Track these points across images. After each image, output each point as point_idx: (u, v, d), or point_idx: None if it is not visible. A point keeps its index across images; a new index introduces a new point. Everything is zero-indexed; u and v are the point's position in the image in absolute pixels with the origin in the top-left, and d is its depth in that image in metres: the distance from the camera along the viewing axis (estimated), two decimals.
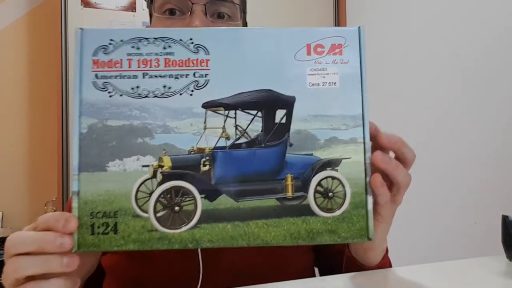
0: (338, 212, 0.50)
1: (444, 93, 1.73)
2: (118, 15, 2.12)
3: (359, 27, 0.52)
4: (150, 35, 0.51)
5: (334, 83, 0.51)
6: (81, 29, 0.51)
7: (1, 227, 2.06)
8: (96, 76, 0.50)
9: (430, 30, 1.83)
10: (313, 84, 0.51)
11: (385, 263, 0.61)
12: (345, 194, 0.50)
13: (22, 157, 2.30)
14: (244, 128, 0.51)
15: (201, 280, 0.63)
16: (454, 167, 1.63)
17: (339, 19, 2.46)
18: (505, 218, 0.64)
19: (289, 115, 0.51)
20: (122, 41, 0.51)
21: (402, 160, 0.52)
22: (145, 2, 0.79)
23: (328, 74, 0.51)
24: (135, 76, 0.51)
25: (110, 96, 0.50)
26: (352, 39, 0.52)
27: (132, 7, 2.12)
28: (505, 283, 0.56)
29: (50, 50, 2.25)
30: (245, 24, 0.86)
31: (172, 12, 0.75)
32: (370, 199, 0.50)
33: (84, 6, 2.07)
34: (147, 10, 0.83)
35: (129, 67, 0.51)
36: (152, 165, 0.50)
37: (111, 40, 0.51)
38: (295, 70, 0.51)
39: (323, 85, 0.51)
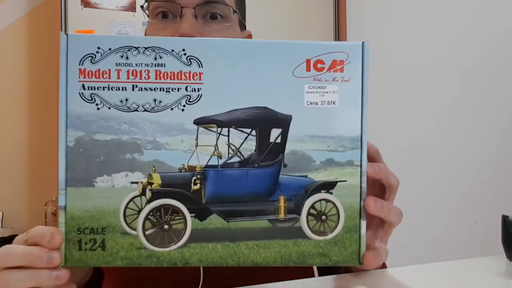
0: (330, 236, 0.49)
1: (444, 93, 1.70)
2: (118, 15, 2.06)
3: (362, 43, 0.49)
4: (140, 44, 0.48)
5: (333, 103, 0.48)
6: (66, 35, 0.47)
7: (1, 227, 2.04)
8: (83, 86, 0.47)
9: (430, 30, 1.78)
10: (311, 103, 0.48)
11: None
12: (338, 218, 0.49)
13: (22, 157, 2.27)
14: (237, 146, 0.48)
15: (202, 280, 0.63)
16: (454, 167, 1.61)
17: (339, 19, 2.36)
18: (505, 218, 0.63)
19: (284, 135, 0.48)
20: (111, 50, 0.47)
21: (388, 187, 0.51)
22: (146, 17, 0.77)
23: (327, 92, 0.48)
24: (124, 88, 0.47)
25: (98, 109, 0.47)
26: (354, 55, 0.48)
27: (132, 7, 2.06)
28: (505, 283, 0.55)
29: (50, 50, 2.21)
30: (242, 25, 0.82)
31: (164, 15, 0.73)
32: (363, 224, 0.49)
33: (84, 6, 2.01)
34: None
35: (118, 78, 0.47)
36: (141, 182, 0.48)
37: (99, 48, 0.47)
38: (293, 87, 0.48)
39: (321, 104, 0.48)
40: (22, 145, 2.28)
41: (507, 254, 0.62)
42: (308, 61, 0.48)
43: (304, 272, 0.70)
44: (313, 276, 0.74)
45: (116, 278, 0.68)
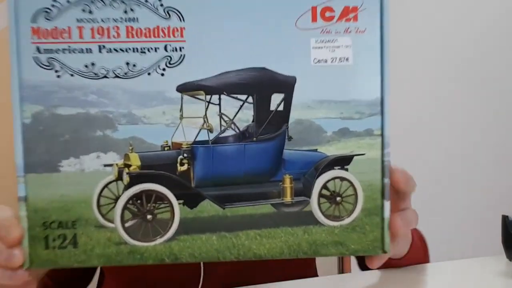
0: (347, 220, 0.39)
1: (444, 93, 1.63)
2: None
3: None
4: None
5: (346, 59, 0.38)
6: None
7: None
8: (38, 49, 0.37)
9: (429, 30, 1.69)
10: (319, 61, 0.38)
11: (414, 254, 0.53)
12: (356, 199, 0.39)
13: None
14: (231, 117, 0.38)
15: (202, 279, 0.54)
16: (454, 167, 1.57)
17: None
18: (505, 218, 0.61)
19: (288, 101, 0.38)
20: (70, 3, 0.37)
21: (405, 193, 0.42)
22: None
23: (338, 47, 0.38)
24: (89, 50, 0.37)
25: (58, 76, 0.37)
26: (371, 0, 0.38)
27: None
28: (505, 283, 0.54)
29: None
30: None
31: None
32: (387, 205, 0.39)
33: None
34: None
35: (80, 37, 0.37)
36: (117, 164, 0.38)
37: (55, 0, 0.37)
38: (296, 42, 0.38)
39: (331, 62, 0.38)
40: None
41: (507, 254, 0.60)
42: (314, 8, 0.38)
43: (305, 268, 0.61)
44: (315, 270, 0.65)
45: (116, 278, 0.59)
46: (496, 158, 1.47)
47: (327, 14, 0.38)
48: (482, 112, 1.52)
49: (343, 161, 0.39)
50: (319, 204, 0.39)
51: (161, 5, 0.37)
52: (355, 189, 0.39)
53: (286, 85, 0.38)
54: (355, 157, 0.39)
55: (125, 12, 0.37)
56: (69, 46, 0.37)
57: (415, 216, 0.41)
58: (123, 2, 0.37)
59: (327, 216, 0.39)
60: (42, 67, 0.37)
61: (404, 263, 0.52)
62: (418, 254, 0.55)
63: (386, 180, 0.39)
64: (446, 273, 0.57)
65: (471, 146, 1.56)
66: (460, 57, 1.62)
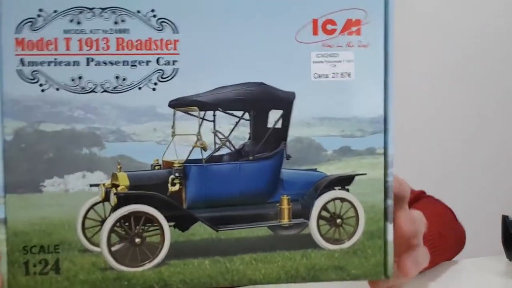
0: (348, 244, 0.36)
1: (444, 93, 1.63)
2: None
3: None
4: (95, 3, 0.34)
5: (348, 74, 0.36)
6: None
7: None
8: (22, 62, 0.34)
9: (430, 30, 1.69)
10: (319, 76, 0.36)
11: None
12: (357, 221, 0.37)
13: None
14: (226, 135, 0.36)
15: None
16: (453, 167, 1.56)
17: None
18: (505, 218, 0.61)
19: (286, 118, 0.36)
20: (57, 12, 0.34)
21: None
22: None
23: (340, 61, 0.36)
24: (77, 63, 0.35)
25: (43, 91, 0.34)
26: (375, 13, 0.36)
27: None
28: (505, 283, 0.54)
29: None
30: None
31: None
32: (390, 227, 0.36)
33: None
34: None
35: (67, 49, 0.34)
36: (103, 184, 0.35)
37: (41, 10, 0.34)
38: (296, 56, 0.35)
39: (333, 77, 0.36)
40: None
41: (507, 254, 0.60)
42: (315, 21, 0.35)
43: None
44: None
45: None
46: (496, 158, 1.45)
47: (329, 27, 0.35)
48: (482, 111, 1.50)
49: (344, 181, 0.36)
50: (318, 226, 0.36)
51: (154, 16, 0.34)
52: (356, 211, 0.36)
53: (285, 101, 0.35)
54: (356, 177, 0.36)
55: (116, 23, 0.34)
56: (55, 59, 0.34)
57: (426, 256, 0.38)
58: (113, 12, 0.34)
59: (327, 239, 0.36)
60: (26, 81, 0.34)
61: None
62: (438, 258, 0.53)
63: (389, 202, 0.36)
64: (446, 273, 0.56)
65: (471, 145, 1.53)
66: (459, 57, 1.61)
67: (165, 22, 0.34)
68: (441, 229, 0.57)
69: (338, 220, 0.36)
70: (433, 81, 1.69)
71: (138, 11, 0.34)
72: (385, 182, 0.36)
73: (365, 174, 0.36)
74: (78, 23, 0.34)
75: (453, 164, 1.59)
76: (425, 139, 1.69)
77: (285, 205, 0.36)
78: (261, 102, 0.35)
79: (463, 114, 1.59)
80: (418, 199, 0.69)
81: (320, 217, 0.36)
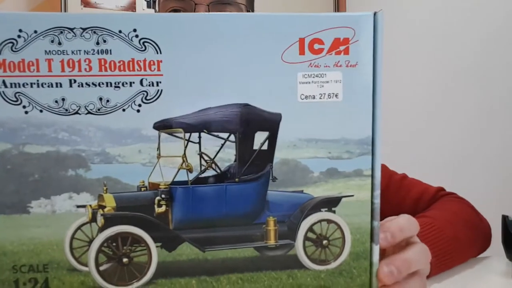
0: (334, 264, 0.36)
1: (444, 93, 1.57)
2: None
3: (374, 13, 0.34)
4: (76, 23, 0.32)
5: (336, 95, 0.34)
6: None
7: None
8: (4, 83, 0.33)
9: (430, 30, 1.62)
10: (306, 97, 0.34)
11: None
12: (344, 242, 0.35)
13: None
14: (212, 156, 0.34)
15: None
16: (453, 167, 1.52)
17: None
18: (505, 218, 0.60)
19: (272, 140, 0.34)
20: (37, 33, 0.32)
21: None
22: (145, 2, 0.67)
23: (327, 82, 0.34)
24: (59, 84, 0.33)
25: (26, 112, 0.33)
26: (364, 31, 0.33)
27: (132, 7, 1.84)
28: (505, 283, 0.53)
29: None
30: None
31: (176, 12, 0.64)
32: (376, 249, 0.35)
33: (84, 6, 1.81)
34: (147, 11, 0.71)
35: (49, 71, 0.33)
36: (90, 205, 0.34)
37: (21, 30, 0.32)
38: (282, 76, 0.33)
39: (320, 98, 0.34)
40: None
41: (507, 254, 0.59)
42: (301, 40, 0.33)
43: None
44: None
45: None
46: (496, 158, 1.42)
47: (316, 46, 0.33)
48: (482, 112, 1.47)
49: (331, 203, 0.35)
50: (304, 247, 0.35)
51: (136, 36, 0.32)
52: (342, 232, 0.35)
53: (271, 123, 0.33)
54: (343, 199, 0.35)
55: (97, 43, 0.33)
56: (38, 80, 0.33)
57: (421, 257, 0.36)
58: (94, 32, 0.32)
59: (313, 260, 0.35)
60: (8, 102, 0.33)
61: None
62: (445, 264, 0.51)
63: (376, 223, 0.35)
64: (446, 273, 0.55)
65: (471, 146, 1.52)
66: (459, 57, 1.57)
67: (147, 42, 0.33)
68: (457, 232, 0.56)
69: (325, 241, 0.35)
70: (432, 81, 1.65)
71: (120, 31, 0.32)
72: (372, 203, 0.35)
73: (352, 195, 0.35)
74: (59, 43, 0.32)
75: (453, 164, 1.56)
76: (424, 139, 1.66)
77: (271, 226, 0.35)
78: (247, 124, 0.34)
79: (463, 115, 1.56)
80: (437, 198, 0.68)
81: (306, 238, 0.35)
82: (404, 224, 0.35)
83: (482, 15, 1.49)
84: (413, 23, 1.72)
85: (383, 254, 0.36)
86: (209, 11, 0.63)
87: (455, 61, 1.57)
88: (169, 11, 0.66)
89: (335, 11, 2.16)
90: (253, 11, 0.73)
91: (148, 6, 1.76)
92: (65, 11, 1.81)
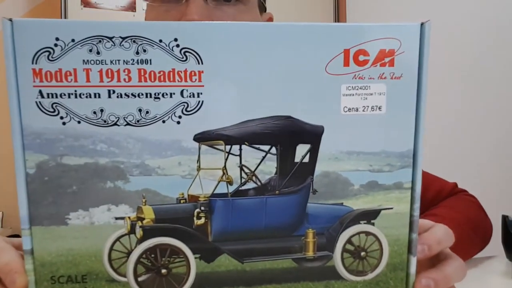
0: (371, 275, 0.35)
1: (444, 93, 1.53)
2: (118, 15, 1.80)
3: (422, 24, 0.32)
4: (115, 32, 0.30)
5: (379, 108, 0.32)
6: (10, 20, 0.30)
7: (1, 227, 1.80)
8: (41, 93, 0.31)
9: (431, 30, 1.58)
10: (349, 109, 0.32)
11: None
12: (381, 254, 0.34)
13: None
14: (253, 169, 0.33)
15: None
16: (453, 167, 1.50)
17: (339, 17, 2.05)
18: (505, 218, 0.59)
19: (314, 152, 0.33)
20: (74, 42, 0.30)
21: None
22: (145, 2, 0.59)
23: (371, 94, 0.32)
24: (97, 95, 0.31)
25: (64, 123, 0.31)
26: (410, 42, 0.32)
27: (132, 7, 1.79)
28: (505, 283, 0.52)
29: None
30: (261, 6, 0.61)
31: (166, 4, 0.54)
32: (413, 260, 0.34)
33: (84, 6, 1.76)
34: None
35: (87, 81, 0.31)
36: (129, 217, 0.33)
37: (57, 39, 0.30)
38: (326, 88, 0.32)
39: (363, 111, 0.32)
40: None
41: (507, 254, 0.58)
42: (346, 52, 0.31)
43: None
44: None
45: None
46: (496, 158, 1.39)
47: (361, 58, 0.31)
48: (482, 111, 1.44)
49: (370, 215, 0.34)
50: (342, 259, 0.34)
51: (177, 45, 0.30)
52: (380, 244, 0.34)
53: (313, 136, 0.32)
54: (382, 211, 0.34)
55: (137, 53, 0.31)
56: (76, 91, 0.31)
57: (458, 271, 0.35)
58: (134, 42, 0.30)
59: (350, 271, 0.34)
60: (46, 113, 0.31)
61: None
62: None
63: (414, 235, 0.34)
64: None
65: (470, 146, 1.49)
66: (461, 56, 1.54)
67: (188, 52, 0.31)
68: (463, 234, 0.54)
69: (363, 253, 0.34)
70: (434, 80, 1.62)
71: (160, 40, 0.30)
72: (411, 216, 0.34)
73: (391, 208, 0.34)
74: (98, 53, 0.30)
75: (452, 164, 1.55)
76: (425, 139, 1.64)
77: (310, 238, 0.34)
78: (289, 136, 0.32)
79: (462, 115, 1.54)
80: (452, 195, 0.66)
81: (344, 250, 0.34)
82: (441, 236, 0.34)
83: (481, 15, 1.46)
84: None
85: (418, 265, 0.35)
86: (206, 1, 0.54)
87: (455, 61, 1.55)
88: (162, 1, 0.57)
89: (335, 11, 2.09)
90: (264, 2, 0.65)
91: None
92: (65, 11, 1.74)
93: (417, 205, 0.32)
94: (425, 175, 0.68)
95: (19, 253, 0.33)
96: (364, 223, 0.33)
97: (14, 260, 0.32)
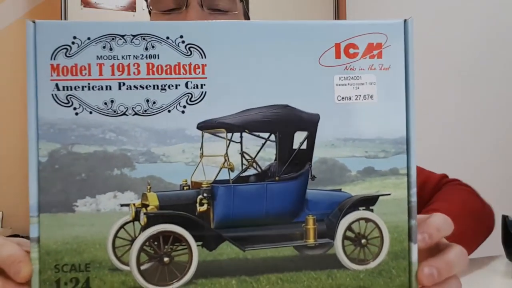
0: (373, 264, 0.34)
1: (444, 93, 1.57)
2: (118, 15, 1.84)
3: (405, 20, 0.34)
4: (126, 30, 0.33)
5: (371, 97, 0.34)
6: (33, 22, 0.33)
7: (1, 227, 1.79)
8: (57, 86, 0.33)
9: (431, 30, 1.65)
10: (342, 98, 0.34)
11: None
12: (382, 241, 0.34)
13: (22, 157, 2.03)
14: (253, 156, 0.34)
15: None
16: (453, 166, 1.50)
17: (339, 17, 2.18)
18: (505, 218, 0.58)
19: (311, 139, 0.34)
20: (90, 40, 0.33)
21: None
22: (145, 2, 0.67)
23: (362, 84, 0.34)
24: (109, 87, 0.33)
25: (77, 114, 0.33)
26: (395, 37, 0.34)
27: (132, 7, 1.84)
28: (505, 283, 0.51)
29: None
30: (246, 15, 0.70)
31: (171, 10, 0.62)
32: (414, 248, 0.34)
33: (84, 6, 1.80)
34: (147, 10, 0.71)
35: (100, 74, 0.33)
36: (134, 204, 0.33)
37: (75, 37, 0.33)
38: (320, 79, 0.34)
39: (356, 99, 0.34)
40: (22, 144, 2.02)
41: (507, 254, 0.57)
42: (337, 45, 0.34)
43: None
44: None
45: None
46: (496, 158, 1.36)
47: (351, 50, 0.34)
48: (482, 111, 1.41)
49: (368, 202, 0.34)
50: (343, 246, 0.34)
51: (183, 41, 0.33)
52: (380, 231, 0.34)
53: (310, 123, 0.33)
54: (380, 197, 0.34)
55: (146, 48, 0.33)
56: (89, 83, 0.33)
57: (459, 260, 0.34)
58: (144, 39, 0.33)
59: (352, 260, 0.34)
60: (60, 105, 0.33)
61: None
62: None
63: (413, 222, 0.34)
64: None
65: (470, 146, 1.44)
66: (461, 56, 1.54)
67: (193, 47, 0.33)
68: (461, 224, 0.53)
69: (363, 241, 0.34)
70: (434, 80, 1.63)
71: (168, 37, 0.33)
72: (409, 202, 0.34)
73: (389, 194, 0.34)
74: (111, 49, 0.33)
75: (452, 164, 1.53)
76: (424, 140, 1.62)
77: (310, 225, 0.34)
78: (287, 124, 0.33)
79: (462, 115, 1.53)
80: (440, 186, 0.65)
81: (345, 237, 0.34)
82: (440, 224, 0.34)
83: (482, 15, 1.47)
84: (414, 23, 1.72)
85: (420, 254, 0.34)
86: (202, 6, 0.61)
87: (455, 61, 1.55)
88: (164, 10, 0.64)
89: (335, 12, 2.15)
90: (247, 1, 0.71)
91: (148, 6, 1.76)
92: (65, 11, 1.73)
93: (413, 190, 0.33)
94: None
95: (20, 247, 0.34)
96: (363, 209, 0.33)
97: (16, 251, 0.32)
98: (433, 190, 0.64)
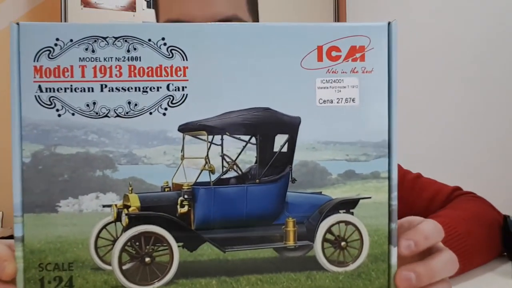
0: (352, 266, 0.33)
1: (444, 93, 1.54)
2: (118, 15, 1.79)
3: (389, 23, 0.33)
4: (108, 33, 0.32)
5: (353, 100, 0.33)
6: (17, 24, 0.32)
7: (1, 227, 1.77)
8: (40, 88, 0.32)
9: (431, 30, 1.62)
10: (324, 101, 0.33)
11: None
12: (362, 244, 0.33)
13: None
14: (234, 158, 0.33)
15: None
16: (453, 167, 1.47)
17: (339, 17, 2.14)
18: (506, 218, 0.56)
19: (292, 142, 0.33)
20: (72, 41, 0.32)
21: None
22: (145, 2, 0.63)
23: (344, 87, 0.33)
24: (91, 89, 0.33)
25: (59, 115, 0.32)
26: (379, 39, 0.33)
27: (132, 7, 1.78)
28: (505, 283, 0.50)
29: None
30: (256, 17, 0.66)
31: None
32: (394, 251, 0.33)
33: (84, 6, 1.76)
34: (147, 10, 0.67)
35: (82, 76, 0.33)
36: (116, 205, 0.33)
37: (57, 39, 0.32)
38: (301, 82, 0.33)
39: (337, 102, 0.33)
40: None
41: (508, 254, 0.55)
42: (319, 48, 0.33)
43: None
44: None
45: None
46: (496, 158, 1.34)
47: (333, 53, 0.32)
48: (482, 112, 1.38)
49: (348, 205, 0.33)
50: (323, 249, 0.33)
51: (164, 44, 0.32)
52: (360, 234, 0.33)
53: (291, 126, 0.32)
54: (361, 201, 0.33)
55: (128, 51, 0.32)
56: (71, 85, 0.32)
57: (446, 265, 0.32)
58: (126, 41, 0.32)
59: (331, 262, 0.33)
60: (43, 106, 0.32)
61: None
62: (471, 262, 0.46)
63: (393, 225, 0.33)
64: None
65: (471, 145, 1.42)
66: (461, 56, 1.51)
67: (175, 49, 0.32)
68: (471, 227, 0.51)
69: (343, 243, 0.33)
70: (434, 80, 1.61)
71: (149, 40, 0.32)
72: (389, 205, 0.33)
73: (369, 197, 0.33)
74: (93, 51, 0.32)
75: (453, 164, 1.51)
76: (424, 139, 1.60)
77: (290, 227, 0.33)
78: (268, 127, 0.33)
79: (462, 115, 1.51)
80: (452, 199, 0.61)
81: (325, 239, 0.33)
82: (429, 232, 0.33)
83: (482, 15, 1.44)
84: (414, 24, 1.69)
85: (404, 259, 0.33)
86: None
87: (455, 61, 1.52)
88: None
89: (335, 12, 2.12)
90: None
91: (148, 6, 1.62)
92: (65, 11, 1.69)
93: (394, 194, 0.32)
94: (423, 178, 0.65)
95: (7, 245, 0.33)
96: (343, 212, 0.32)
97: (1, 251, 0.32)
98: (443, 203, 0.61)
